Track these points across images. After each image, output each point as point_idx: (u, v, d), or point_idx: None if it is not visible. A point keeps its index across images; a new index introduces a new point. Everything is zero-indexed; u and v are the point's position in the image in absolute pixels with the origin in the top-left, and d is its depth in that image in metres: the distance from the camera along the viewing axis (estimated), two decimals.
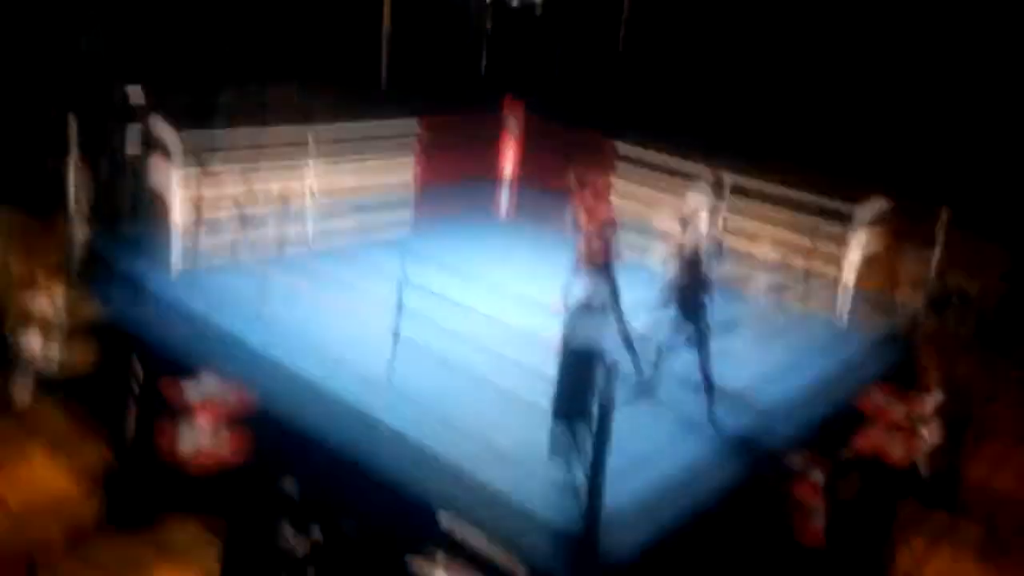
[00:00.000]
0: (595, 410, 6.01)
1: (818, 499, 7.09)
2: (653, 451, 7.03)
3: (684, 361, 7.79)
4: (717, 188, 9.49)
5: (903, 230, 14.17)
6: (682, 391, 7.85)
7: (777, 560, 6.94)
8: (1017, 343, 12.32)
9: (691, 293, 7.55)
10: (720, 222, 9.38)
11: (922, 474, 8.28)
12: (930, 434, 8.44)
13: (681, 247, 7.72)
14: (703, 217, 8.47)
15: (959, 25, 15.53)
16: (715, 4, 18.45)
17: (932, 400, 8.47)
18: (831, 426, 8.08)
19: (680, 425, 7.58)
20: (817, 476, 7.31)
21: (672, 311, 7.62)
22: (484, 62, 18.01)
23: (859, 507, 7.10)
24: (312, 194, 11.64)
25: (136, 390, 7.27)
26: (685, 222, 7.98)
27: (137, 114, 13.96)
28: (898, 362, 9.98)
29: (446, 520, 6.05)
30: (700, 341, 7.59)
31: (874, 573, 7.34)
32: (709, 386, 7.64)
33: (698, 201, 8.99)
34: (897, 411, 8.61)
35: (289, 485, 6.43)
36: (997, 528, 8.41)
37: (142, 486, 7.13)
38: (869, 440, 8.40)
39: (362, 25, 16.67)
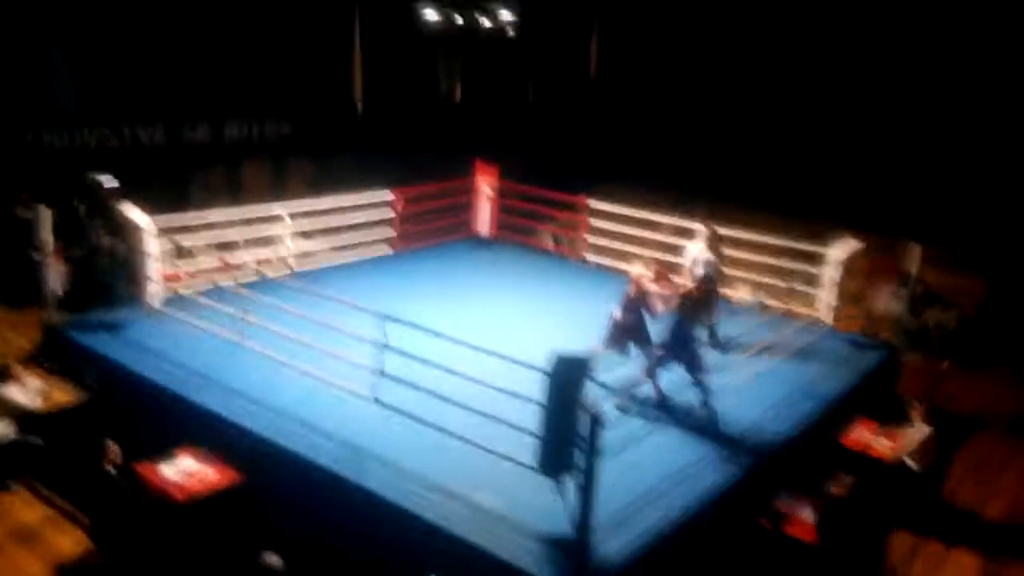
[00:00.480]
0: (581, 461, 5.96)
1: (810, 536, 7.03)
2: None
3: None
4: (714, 240, 9.79)
5: (879, 268, 14.39)
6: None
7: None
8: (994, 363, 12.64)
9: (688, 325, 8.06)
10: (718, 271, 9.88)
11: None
12: (916, 464, 8.43)
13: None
14: (700, 264, 9.70)
15: (931, 64, 15.92)
16: (678, 61, 18.88)
17: (916, 433, 8.45)
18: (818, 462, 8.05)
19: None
20: (808, 514, 7.26)
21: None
22: (455, 121, 18.26)
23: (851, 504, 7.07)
24: (290, 267, 11.74)
25: (113, 472, 7.12)
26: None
27: (109, 201, 14.11)
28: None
29: None
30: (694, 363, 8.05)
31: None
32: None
33: (697, 250, 9.92)
34: (882, 447, 8.61)
35: (273, 560, 6.28)
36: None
37: (122, 572, 6.97)
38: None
39: (334, 92, 16.89)
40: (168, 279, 10.47)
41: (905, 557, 7.91)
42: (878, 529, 7.32)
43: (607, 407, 6.17)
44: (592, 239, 13.53)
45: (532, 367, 6.49)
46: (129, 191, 14.76)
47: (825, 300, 10.76)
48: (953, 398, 11.45)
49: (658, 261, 9.01)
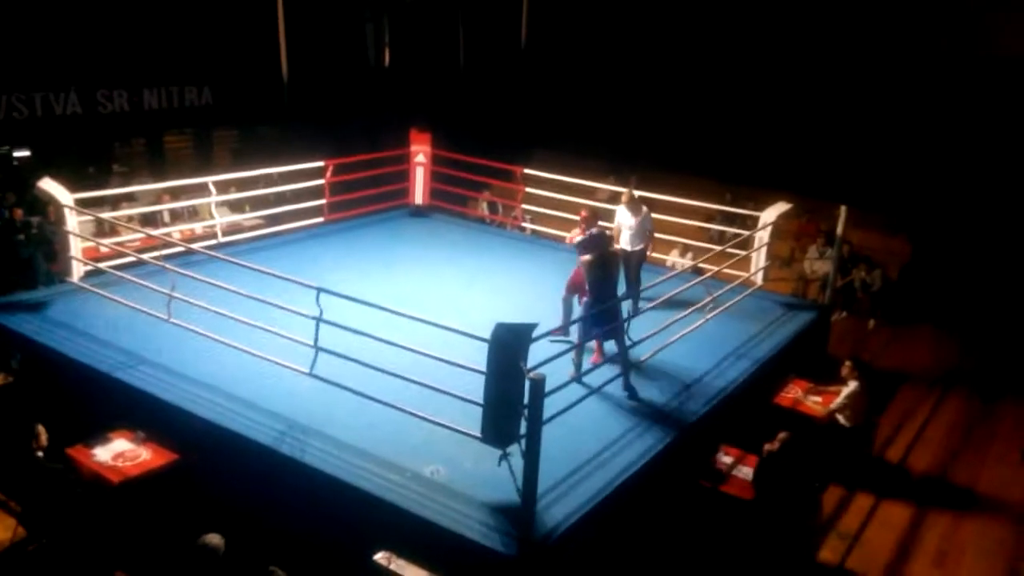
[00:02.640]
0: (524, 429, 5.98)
1: (748, 495, 7.22)
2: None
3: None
4: (632, 202, 9.81)
5: (806, 230, 14.76)
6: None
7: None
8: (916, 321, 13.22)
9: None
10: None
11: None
12: (846, 420, 8.71)
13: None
14: (624, 228, 9.75)
15: (859, 26, 16.13)
16: (609, 27, 18.83)
17: (846, 390, 8.71)
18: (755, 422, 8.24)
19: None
20: (746, 473, 7.44)
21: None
22: (385, 88, 17.89)
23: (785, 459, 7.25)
24: (217, 240, 11.42)
25: (42, 456, 6.89)
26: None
27: (26, 176, 13.52)
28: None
29: (379, 556, 5.90)
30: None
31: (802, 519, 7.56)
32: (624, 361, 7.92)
33: (619, 214, 9.87)
34: (813, 404, 8.87)
35: (214, 540, 6.17)
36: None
37: (57, 557, 6.78)
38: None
39: (258, 58, 16.36)
40: (91, 256, 10.10)
41: (837, 510, 8.20)
42: (812, 484, 7.54)
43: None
44: (528, 207, 13.51)
45: (472, 336, 6.47)
46: (46, 164, 14.20)
47: (756, 262, 10.94)
48: (879, 355, 11.86)
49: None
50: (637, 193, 10.07)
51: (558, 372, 6.72)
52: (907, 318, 13.28)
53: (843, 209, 10.67)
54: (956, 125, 14.94)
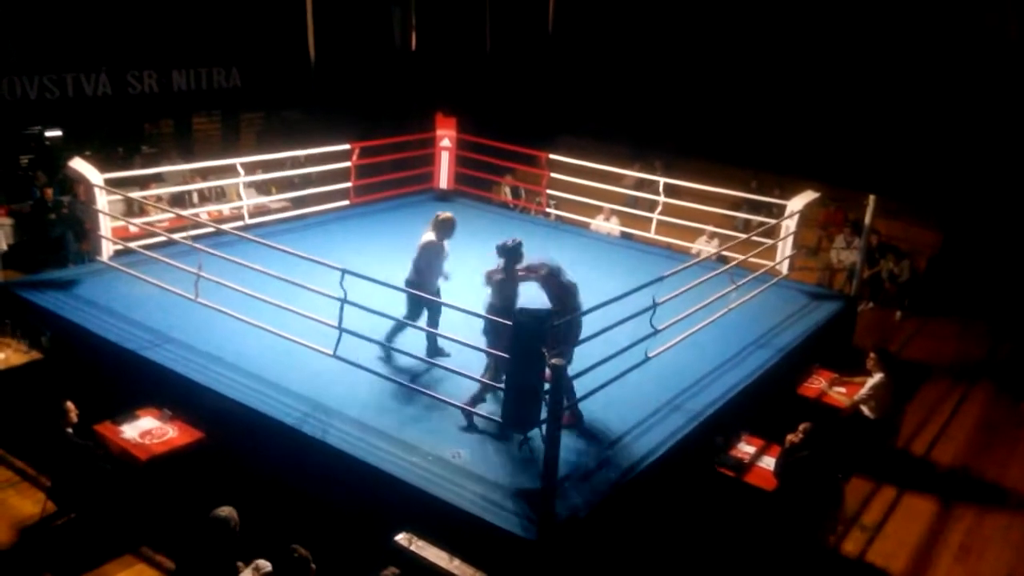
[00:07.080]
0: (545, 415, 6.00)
1: (770, 485, 7.19)
2: None
3: None
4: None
5: (835, 220, 14.60)
6: None
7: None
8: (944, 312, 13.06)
9: None
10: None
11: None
12: (871, 411, 8.64)
13: None
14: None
15: (900, 14, 15.91)
16: (636, 12, 18.69)
17: (871, 381, 8.64)
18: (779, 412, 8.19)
19: None
20: (768, 463, 7.41)
21: None
22: (410, 71, 17.86)
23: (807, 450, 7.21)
24: (244, 222, 11.51)
25: (71, 433, 7.00)
26: None
27: (57, 156, 13.68)
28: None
29: (400, 537, 5.95)
30: None
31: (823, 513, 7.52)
32: None
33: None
34: (838, 395, 8.80)
35: (226, 512, 6.23)
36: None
37: (84, 532, 6.89)
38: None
39: (285, 41, 16.41)
40: (120, 235, 10.21)
41: (861, 502, 8.15)
42: (835, 475, 7.49)
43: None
44: (552, 192, 13.48)
45: (495, 320, 6.48)
46: (77, 144, 14.36)
47: (782, 251, 10.85)
48: (905, 347, 11.75)
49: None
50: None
51: (581, 357, 6.73)
52: (935, 310, 13.13)
53: (872, 198, 10.54)
54: (989, 113, 14.71)
